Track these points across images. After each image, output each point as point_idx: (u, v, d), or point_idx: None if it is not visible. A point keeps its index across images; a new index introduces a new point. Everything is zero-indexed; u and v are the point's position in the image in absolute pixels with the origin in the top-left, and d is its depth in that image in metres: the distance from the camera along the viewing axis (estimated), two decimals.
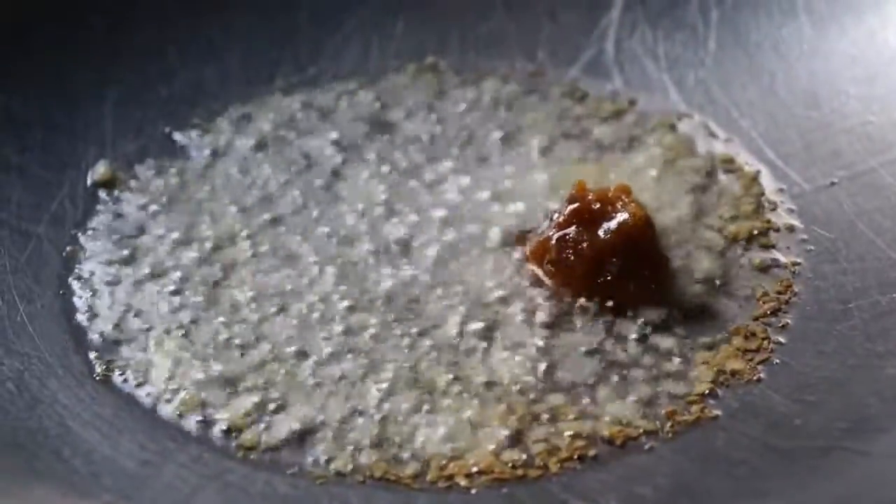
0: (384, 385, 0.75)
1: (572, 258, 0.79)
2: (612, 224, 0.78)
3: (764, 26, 0.95)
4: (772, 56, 0.94)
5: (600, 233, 0.78)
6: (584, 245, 0.79)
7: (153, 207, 0.86)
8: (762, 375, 0.75)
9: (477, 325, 0.78)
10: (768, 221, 0.84)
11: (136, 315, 0.79)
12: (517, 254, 0.82)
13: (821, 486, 0.68)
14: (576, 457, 0.71)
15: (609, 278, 0.78)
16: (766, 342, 0.77)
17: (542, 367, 0.75)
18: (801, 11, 0.95)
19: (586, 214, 0.79)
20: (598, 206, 0.79)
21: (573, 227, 0.79)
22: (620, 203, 0.79)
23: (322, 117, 0.93)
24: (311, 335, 0.78)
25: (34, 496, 0.68)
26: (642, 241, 0.79)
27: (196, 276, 0.82)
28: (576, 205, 0.80)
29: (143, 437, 0.73)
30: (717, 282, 0.80)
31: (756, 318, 0.78)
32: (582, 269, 0.79)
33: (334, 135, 0.92)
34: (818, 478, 0.68)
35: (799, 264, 0.81)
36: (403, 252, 0.83)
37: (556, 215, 0.81)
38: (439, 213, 0.85)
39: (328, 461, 0.71)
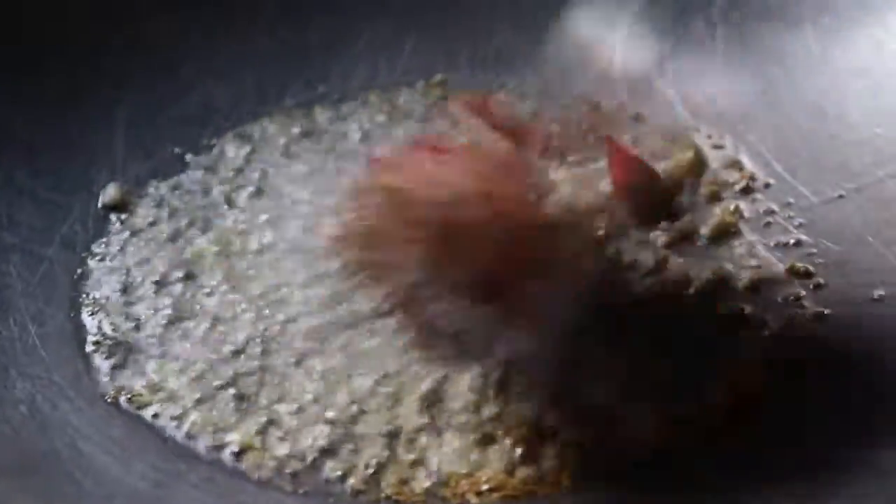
0: (394, 403, 0.75)
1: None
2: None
3: (770, 40, 0.95)
4: (778, 70, 0.94)
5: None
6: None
7: (163, 229, 0.87)
8: (772, 388, 0.75)
9: None
10: (776, 234, 0.84)
11: (147, 337, 0.80)
12: None
13: (831, 501, 0.68)
14: (589, 472, 0.71)
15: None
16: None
17: (557, 385, 0.75)
18: (807, 25, 0.95)
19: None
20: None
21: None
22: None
23: (332, 134, 0.94)
24: (322, 354, 0.78)
25: None
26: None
27: (206, 298, 0.82)
28: None
29: (155, 459, 0.73)
30: (724, 295, 0.80)
31: (765, 331, 0.78)
32: None
33: (343, 151, 0.92)
34: (827, 493, 0.68)
35: (808, 276, 0.81)
36: None
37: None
38: None
39: (340, 480, 0.72)
